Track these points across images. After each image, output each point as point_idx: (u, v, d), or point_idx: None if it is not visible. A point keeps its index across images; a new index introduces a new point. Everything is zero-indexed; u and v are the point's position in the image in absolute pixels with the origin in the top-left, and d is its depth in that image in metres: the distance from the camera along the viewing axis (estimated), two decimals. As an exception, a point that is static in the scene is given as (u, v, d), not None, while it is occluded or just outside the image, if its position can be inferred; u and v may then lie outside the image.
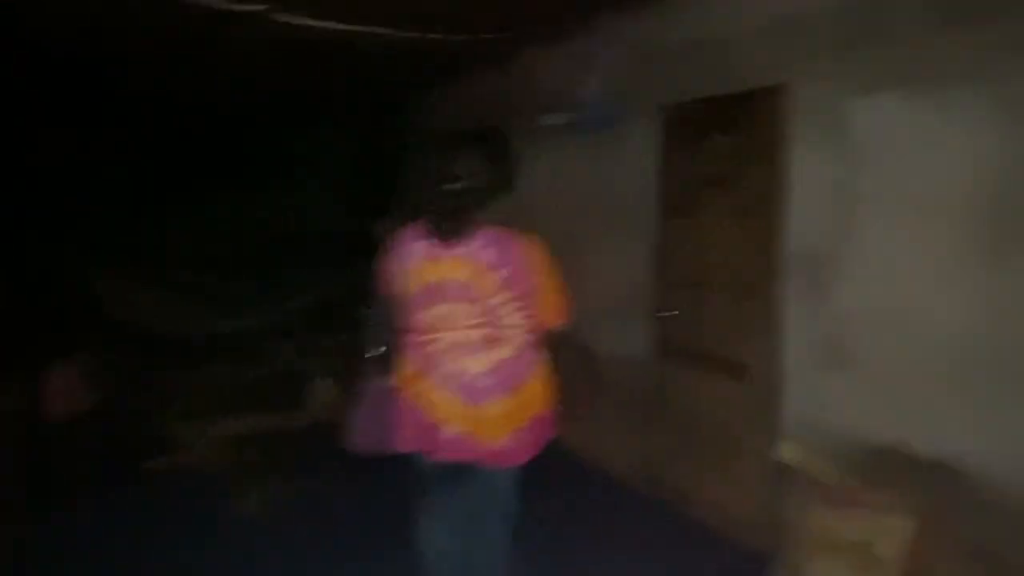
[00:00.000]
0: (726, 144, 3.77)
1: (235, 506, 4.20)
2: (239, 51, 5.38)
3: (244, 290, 7.15)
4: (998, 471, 2.63)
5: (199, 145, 7.72)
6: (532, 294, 2.38)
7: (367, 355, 2.45)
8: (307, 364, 5.99)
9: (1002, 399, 2.63)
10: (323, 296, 7.47)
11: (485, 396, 2.38)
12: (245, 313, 6.85)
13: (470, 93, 6.81)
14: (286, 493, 4.36)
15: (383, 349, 2.53)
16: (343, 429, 2.58)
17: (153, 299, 6.42)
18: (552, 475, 4.54)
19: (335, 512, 4.20)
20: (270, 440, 5.13)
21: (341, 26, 4.73)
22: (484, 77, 6.43)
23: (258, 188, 8.11)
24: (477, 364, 2.38)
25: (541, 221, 5.16)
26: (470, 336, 2.37)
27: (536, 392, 2.47)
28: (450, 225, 2.34)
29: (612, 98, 4.68)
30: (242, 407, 5.47)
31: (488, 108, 6.41)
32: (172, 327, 6.45)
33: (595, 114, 4.85)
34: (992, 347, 2.65)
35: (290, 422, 5.42)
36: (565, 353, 5.08)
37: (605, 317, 4.81)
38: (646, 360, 4.40)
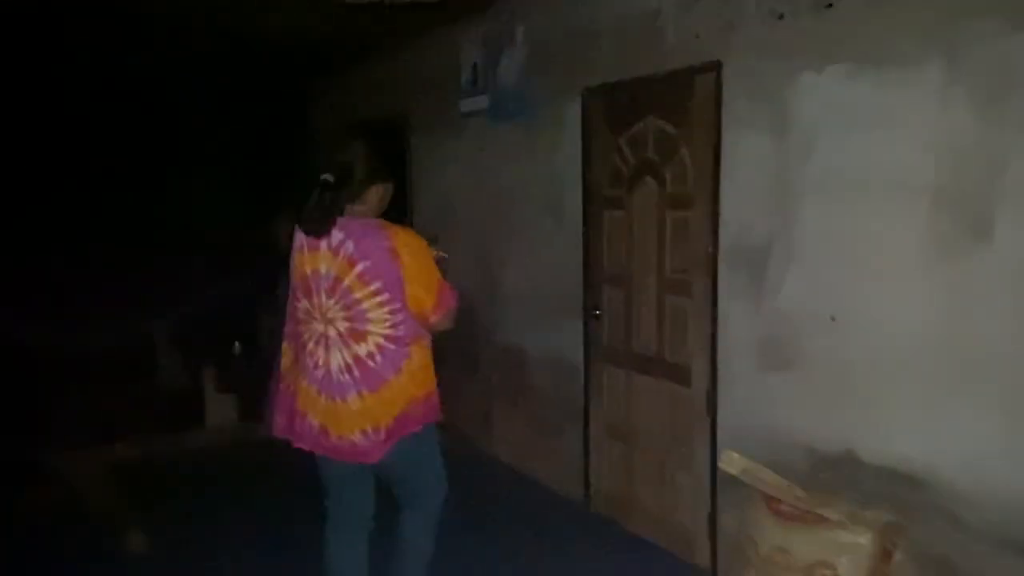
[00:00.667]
0: (656, 128, 3.48)
1: (118, 543, 3.68)
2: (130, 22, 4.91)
3: (131, 296, 6.54)
4: (954, 477, 2.42)
5: (83, 132, 7.06)
6: (397, 288, 2.30)
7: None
8: (203, 377, 5.42)
9: (955, 401, 2.41)
10: (220, 301, 6.93)
11: (343, 391, 2.33)
12: (131, 323, 6.23)
13: (375, 78, 6.38)
14: (177, 525, 3.87)
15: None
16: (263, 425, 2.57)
17: (25, 308, 5.75)
18: (479, 482, 4.29)
19: (232, 543, 3.73)
20: (162, 465, 4.61)
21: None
22: (392, 59, 6.00)
23: (150, 183, 7.49)
24: (337, 358, 2.33)
25: (463, 213, 4.83)
26: (334, 329, 2.32)
27: (402, 390, 2.36)
28: (316, 216, 2.30)
29: (531, 80, 4.35)
30: (128, 430, 4.91)
31: (395, 94, 5.99)
32: (45, 340, 5.81)
33: (513, 99, 4.51)
34: (947, 346, 2.43)
35: (184, 443, 4.89)
36: (489, 352, 4.88)
37: (531, 316, 4.49)
38: (576, 362, 4.09)
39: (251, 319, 8.09)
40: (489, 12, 4.65)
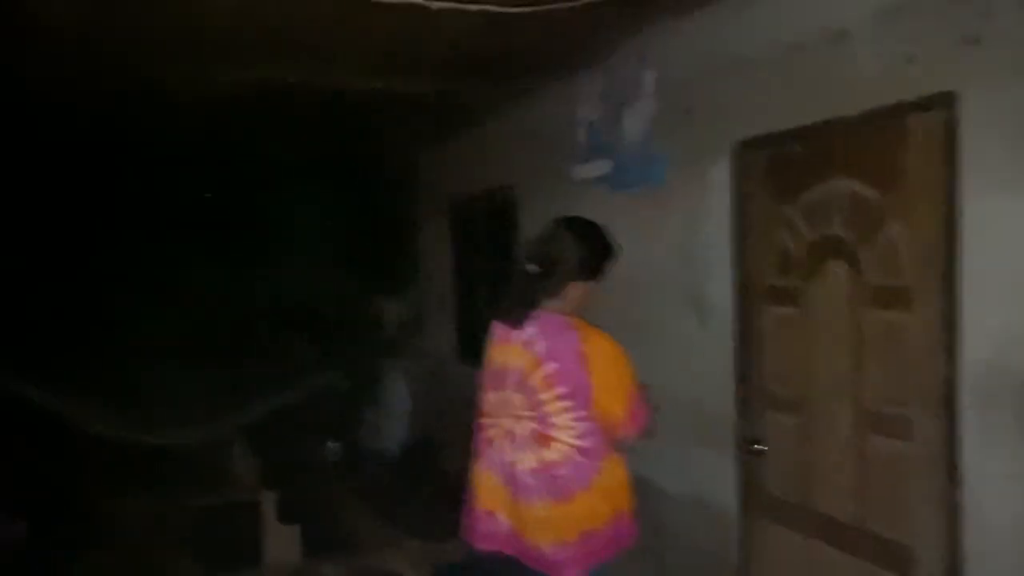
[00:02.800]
0: (847, 193, 2.45)
1: None
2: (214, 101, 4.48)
3: (213, 381, 5.97)
4: None
5: (161, 208, 6.71)
6: (584, 395, 2.14)
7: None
8: (271, 492, 4.58)
9: None
10: (307, 394, 6.27)
11: (530, 495, 2.20)
12: (202, 417, 5.61)
13: (484, 145, 5.64)
14: None
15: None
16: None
17: (89, 401, 5.25)
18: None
19: None
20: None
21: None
22: (502, 122, 5.24)
23: (236, 262, 7.04)
24: (526, 460, 2.20)
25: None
26: (522, 428, 2.21)
27: (588, 506, 2.18)
28: (513, 308, 2.27)
29: (662, 137, 3.41)
30: (182, 549, 4.16)
31: (504, 161, 5.21)
32: (104, 426, 5.27)
33: (640, 160, 3.58)
34: None
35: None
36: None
37: (666, 440, 3.43)
38: (726, 508, 3.00)
39: (352, 412, 7.43)
40: (613, 59, 3.78)
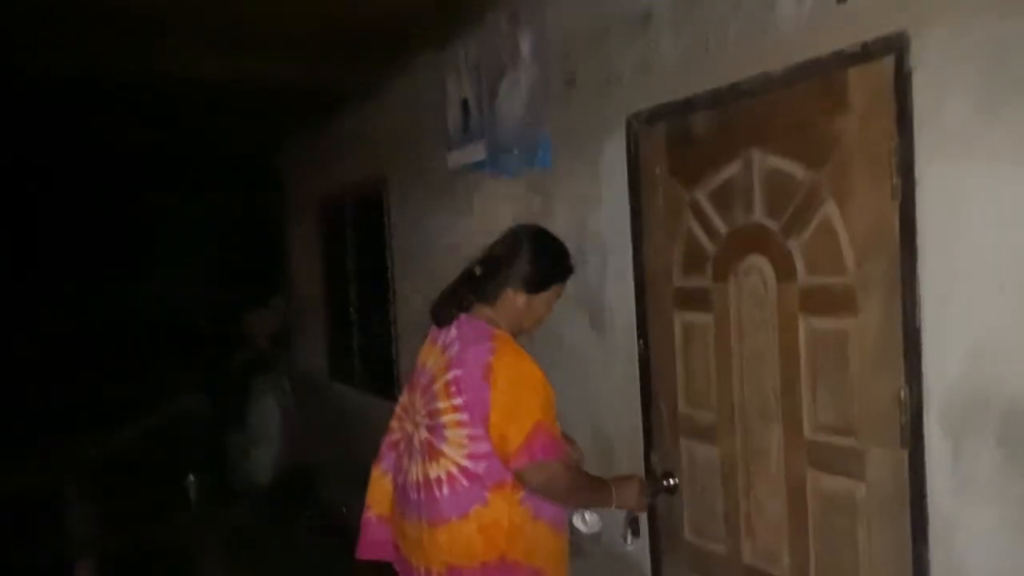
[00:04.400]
0: (768, 170, 1.97)
1: None
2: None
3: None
4: None
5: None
6: (479, 412, 1.89)
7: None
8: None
9: None
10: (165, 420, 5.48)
11: (409, 509, 2.01)
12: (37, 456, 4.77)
13: (349, 134, 5.00)
14: None
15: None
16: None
17: None
18: None
19: None
20: None
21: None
22: (367, 108, 4.63)
23: (96, 274, 6.18)
24: (412, 470, 2.01)
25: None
26: (419, 435, 2.02)
27: (460, 537, 1.90)
28: (439, 302, 2.10)
29: (544, 112, 2.88)
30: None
31: (372, 152, 4.60)
32: None
33: (519, 141, 3.04)
34: None
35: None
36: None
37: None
38: (636, 561, 2.49)
39: (215, 438, 6.62)
40: (485, 23, 3.23)
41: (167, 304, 6.87)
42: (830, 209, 1.81)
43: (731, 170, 2.08)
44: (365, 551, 2.17)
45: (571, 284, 2.75)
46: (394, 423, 2.19)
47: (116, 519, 4.48)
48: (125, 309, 6.73)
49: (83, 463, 4.91)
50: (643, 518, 2.32)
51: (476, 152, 3.36)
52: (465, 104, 3.46)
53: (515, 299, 2.03)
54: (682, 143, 2.25)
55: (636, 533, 2.22)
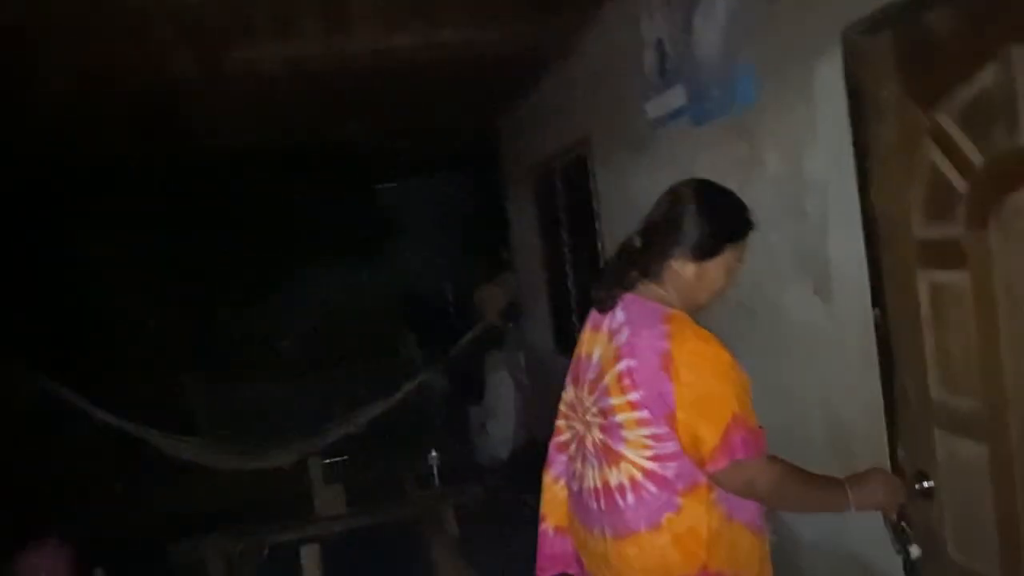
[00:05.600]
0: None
1: None
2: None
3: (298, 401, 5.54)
4: None
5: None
6: (661, 409, 1.62)
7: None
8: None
9: None
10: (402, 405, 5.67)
11: (591, 520, 1.78)
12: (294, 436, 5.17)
13: (547, 104, 4.79)
14: None
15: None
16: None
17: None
18: None
19: None
20: None
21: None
22: (568, 68, 4.38)
23: (318, 264, 6.63)
24: (589, 476, 1.78)
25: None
26: (592, 436, 1.77)
27: (655, 550, 1.66)
28: (599, 286, 1.83)
29: (745, 40, 2.44)
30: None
31: (574, 115, 4.34)
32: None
33: (719, 80, 2.62)
34: None
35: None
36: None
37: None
38: (886, 571, 2.04)
39: (455, 414, 6.82)
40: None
41: (404, 286, 7.19)
42: None
43: (985, 79, 1.55)
44: (546, 566, 1.97)
45: (789, 243, 2.34)
46: (561, 422, 1.97)
47: (359, 497, 4.70)
48: (366, 294, 7.14)
49: (326, 447, 5.22)
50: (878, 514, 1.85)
51: (675, 97, 2.98)
52: (660, 44, 3.09)
53: (683, 271, 1.73)
54: (916, 53, 1.74)
55: (908, 539, 1.75)
